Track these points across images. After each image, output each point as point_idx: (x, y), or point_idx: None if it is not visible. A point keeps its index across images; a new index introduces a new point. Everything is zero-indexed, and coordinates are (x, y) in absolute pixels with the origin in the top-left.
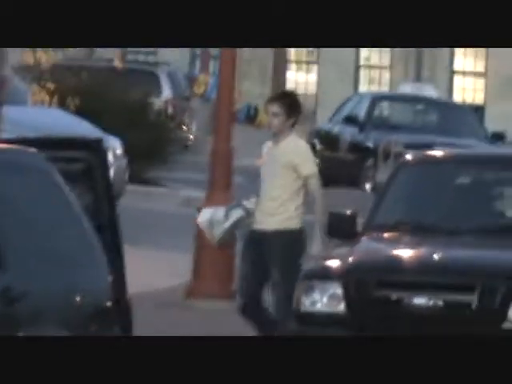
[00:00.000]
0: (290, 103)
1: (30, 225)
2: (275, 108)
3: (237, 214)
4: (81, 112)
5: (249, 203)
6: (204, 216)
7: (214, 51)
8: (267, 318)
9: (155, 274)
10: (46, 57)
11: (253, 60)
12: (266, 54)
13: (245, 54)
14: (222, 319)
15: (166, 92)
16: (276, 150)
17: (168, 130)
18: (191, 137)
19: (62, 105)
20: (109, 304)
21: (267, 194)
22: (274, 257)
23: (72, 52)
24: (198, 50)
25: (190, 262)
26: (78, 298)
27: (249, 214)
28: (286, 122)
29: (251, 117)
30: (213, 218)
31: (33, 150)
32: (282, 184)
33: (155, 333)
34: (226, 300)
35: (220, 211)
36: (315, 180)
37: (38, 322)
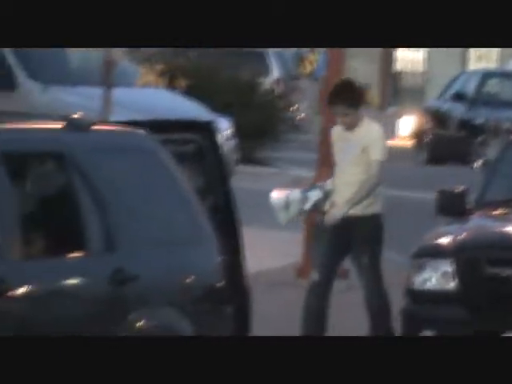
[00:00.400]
0: (352, 96)
1: (139, 206)
2: (340, 109)
3: (315, 195)
4: (189, 93)
5: (325, 185)
6: (279, 196)
7: None
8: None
9: (267, 253)
10: None
11: None
12: None
13: None
14: (332, 298)
15: (275, 72)
16: (350, 135)
17: (277, 110)
18: (300, 116)
19: (171, 86)
20: (219, 284)
21: (349, 180)
22: (361, 242)
23: None
24: None
25: (300, 241)
26: (187, 279)
27: (326, 195)
28: (357, 114)
29: None
30: (289, 198)
31: (141, 131)
32: (363, 170)
33: (268, 312)
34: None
35: (296, 192)
36: (377, 167)
37: (149, 304)
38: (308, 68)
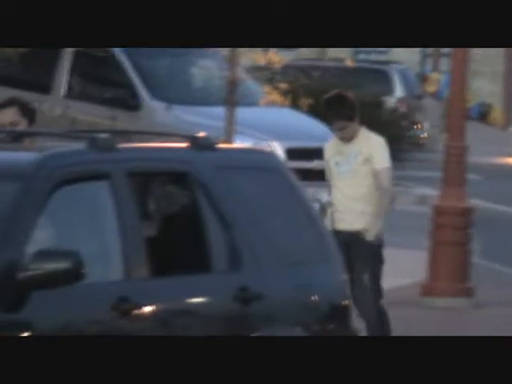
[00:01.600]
0: (348, 109)
1: (265, 225)
2: (341, 124)
3: None
4: (313, 111)
5: (322, 198)
6: None
7: (444, 49)
8: None
9: (391, 272)
10: (277, 58)
11: (484, 58)
12: (497, 52)
13: (476, 52)
14: (458, 317)
15: (398, 91)
16: (349, 147)
17: (401, 129)
18: (424, 135)
19: (295, 104)
20: (345, 303)
21: (350, 192)
22: (366, 256)
23: (303, 53)
24: (429, 49)
25: (424, 259)
26: (313, 298)
27: (323, 208)
28: (354, 126)
29: (483, 114)
30: None
31: (265, 150)
32: (364, 181)
33: (393, 331)
34: (462, 297)
35: None
36: (385, 175)
37: (273, 322)
38: (431, 87)
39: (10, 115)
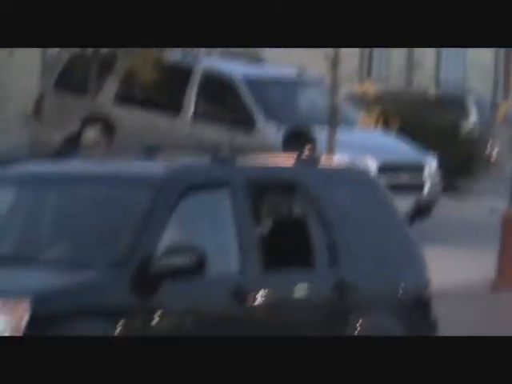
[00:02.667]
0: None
1: (360, 229)
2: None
3: None
4: (402, 134)
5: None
6: None
7: None
8: None
9: (461, 268)
10: (372, 88)
11: None
12: None
13: None
14: None
15: (472, 116)
16: None
17: (475, 151)
18: (495, 155)
19: (386, 128)
20: (425, 296)
21: None
22: None
23: (393, 83)
24: (501, 78)
25: (493, 256)
26: (399, 291)
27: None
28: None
29: None
30: None
31: (362, 165)
32: None
33: (462, 326)
34: None
35: None
36: None
37: (366, 310)
38: (502, 114)
39: (93, 134)
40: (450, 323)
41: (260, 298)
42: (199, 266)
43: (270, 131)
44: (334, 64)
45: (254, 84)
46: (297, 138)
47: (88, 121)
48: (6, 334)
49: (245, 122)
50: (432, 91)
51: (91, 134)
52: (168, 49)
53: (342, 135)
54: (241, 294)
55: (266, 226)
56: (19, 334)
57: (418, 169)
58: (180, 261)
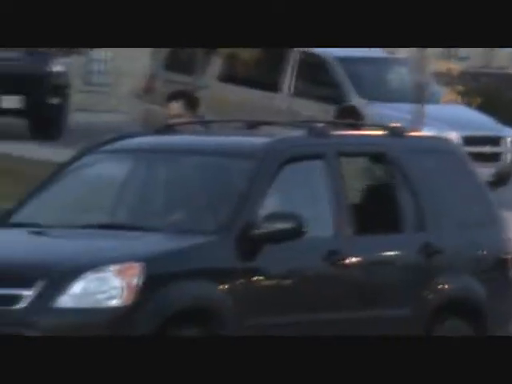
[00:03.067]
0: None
1: (444, 195)
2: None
3: None
4: (481, 108)
5: None
6: None
7: None
8: None
9: None
10: (455, 66)
11: None
12: None
13: None
14: None
15: None
16: None
17: None
18: None
19: (468, 103)
20: (506, 257)
21: None
22: None
23: (474, 61)
24: None
25: None
26: (481, 252)
27: None
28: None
29: None
30: None
31: (447, 137)
32: None
33: None
34: None
35: None
36: None
37: (451, 271)
38: None
39: (177, 108)
40: None
41: (352, 260)
42: (298, 231)
43: (362, 106)
44: None
45: (347, 62)
46: (346, 114)
47: (173, 96)
48: (122, 297)
49: (338, 98)
50: (511, 69)
51: (175, 107)
52: None
53: (427, 109)
54: (334, 257)
55: (358, 193)
56: (133, 296)
57: (498, 141)
58: (280, 226)
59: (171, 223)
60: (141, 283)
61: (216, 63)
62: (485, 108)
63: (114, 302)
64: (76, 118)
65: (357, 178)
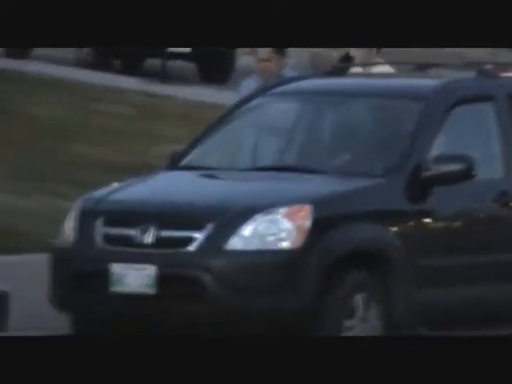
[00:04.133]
0: None
1: None
2: None
3: None
4: None
5: None
6: None
7: None
8: None
9: None
10: None
11: None
12: None
13: None
14: None
15: None
16: None
17: None
18: None
19: None
20: None
21: None
22: None
23: None
24: None
25: None
26: None
27: None
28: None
29: None
30: None
31: None
32: None
33: None
34: None
35: None
36: None
37: None
38: None
39: (266, 52)
40: None
41: None
42: (468, 173)
43: None
44: None
45: None
46: None
47: None
48: (292, 239)
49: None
50: None
51: (264, 51)
52: None
53: None
54: (505, 199)
55: None
56: (303, 238)
57: None
58: (450, 168)
59: (339, 166)
60: (310, 225)
61: None
62: None
63: (285, 244)
64: (243, 61)
65: None
